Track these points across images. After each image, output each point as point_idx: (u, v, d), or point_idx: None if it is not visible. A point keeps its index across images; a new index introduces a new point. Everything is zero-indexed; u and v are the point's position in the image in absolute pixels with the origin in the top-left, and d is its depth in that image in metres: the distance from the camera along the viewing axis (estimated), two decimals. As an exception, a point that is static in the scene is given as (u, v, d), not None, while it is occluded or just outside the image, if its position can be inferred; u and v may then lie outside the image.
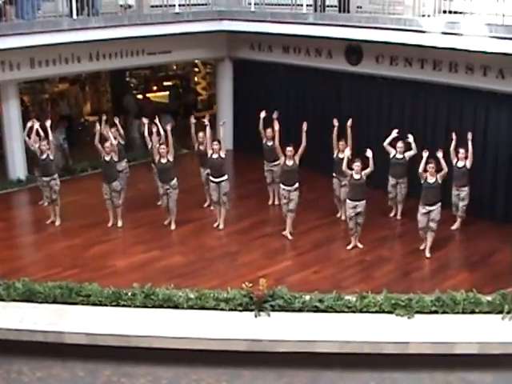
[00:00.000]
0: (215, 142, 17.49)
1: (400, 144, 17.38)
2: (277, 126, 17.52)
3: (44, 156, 17.60)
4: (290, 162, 16.75)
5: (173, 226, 17.57)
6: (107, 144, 17.36)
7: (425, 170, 15.69)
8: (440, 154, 15.84)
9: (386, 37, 17.69)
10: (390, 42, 17.73)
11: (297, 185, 16.82)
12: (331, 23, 18.92)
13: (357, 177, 16.08)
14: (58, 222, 17.78)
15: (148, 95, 30.19)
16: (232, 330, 12.83)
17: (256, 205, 19.14)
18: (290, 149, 16.78)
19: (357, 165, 16.06)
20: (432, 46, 16.95)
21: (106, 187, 17.45)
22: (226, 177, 17.50)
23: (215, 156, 17.31)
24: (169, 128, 17.10)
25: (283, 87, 22.50)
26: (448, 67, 17.99)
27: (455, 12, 17.08)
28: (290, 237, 16.98)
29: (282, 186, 16.99)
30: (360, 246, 16.52)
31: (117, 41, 20.14)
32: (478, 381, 12.46)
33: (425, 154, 15.74)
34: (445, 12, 17.07)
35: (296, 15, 20.00)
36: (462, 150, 16.63)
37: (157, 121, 18.07)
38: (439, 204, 15.88)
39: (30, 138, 18.11)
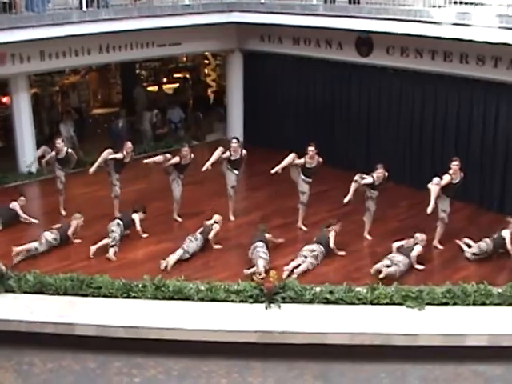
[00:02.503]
0: (234, 140, 17.50)
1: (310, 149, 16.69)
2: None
3: (62, 154, 17.75)
4: (311, 164, 16.74)
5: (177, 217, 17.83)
6: (129, 145, 17.47)
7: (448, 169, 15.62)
8: None
9: (397, 28, 17.66)
10: (400, 33, 17.69)
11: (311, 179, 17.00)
12: (341, 14, 18.89)
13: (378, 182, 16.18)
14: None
15: (161, 87, 30.21)
16: (243, 321, 12.86)
17: (266, 197, 19.14)
18: (311, 148, 16.66)
19: (380, 172, 16.06)
20: (443, 37, 16.90)
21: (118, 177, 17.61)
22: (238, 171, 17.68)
23: (235, 157, 17.44)
24: None
25: (293, 79, 22.45)
26: (459, 58, 17.93)
27: (466, 3, 17.01)
28: (304, 228, 17.06)
29: (303, 177, 16.92)
30: (369, 237, 16.53)
31: (127, 33, 20.14)
32: (489, 372, 12.45)
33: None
34: (455, 3, 17.00)
35: (306, 6, 19.97)
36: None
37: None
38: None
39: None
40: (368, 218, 16.59)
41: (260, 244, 15.08)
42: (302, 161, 16.71)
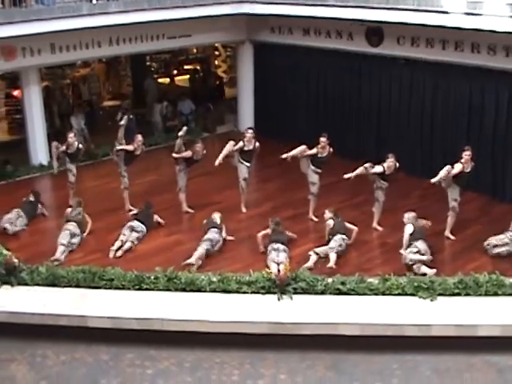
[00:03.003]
0: (250, 131, 17.52)
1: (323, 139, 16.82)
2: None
3: (73, 149, 17.79)
4: (322, 154, 16.78)
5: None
6: (140, 138, 17.51)
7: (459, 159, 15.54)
8: None
9: (408, 18, 17.60)
10: (411, 23, 17.63)
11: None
12: (352, 5, 18.82)
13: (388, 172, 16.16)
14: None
15: (173, 79, 30.23)
16: (255, 312, 12.86)
17: (276, 188, 19.13)
18: (323, 139, 16.69)
19: (391, 161, 16.04)
20: (454, 27, 16.83)
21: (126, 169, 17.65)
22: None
23: (249, 148, 17.47)
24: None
25: (303, 69, 22.40)
26: (470, 48, 17.85)
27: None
28: (316, 219, 17.05)
29: (312, 167, 16.95)
30: (379, 228, 16.50)
31: (137, 25, 20.13)
32: (501, 363, 12.41)
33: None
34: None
35: (317, -3, 19.92)
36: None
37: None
38: None
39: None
40: (377, 208, 16.57)
41: (286, 248, 14.95)
42: (314, 151, 16.72)
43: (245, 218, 17.54)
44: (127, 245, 15.64)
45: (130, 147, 17.29)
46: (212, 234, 15.43)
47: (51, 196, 19.52)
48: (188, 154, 17.24)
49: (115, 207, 17.71)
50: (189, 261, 14.45)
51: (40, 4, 18.44)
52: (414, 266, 14.26)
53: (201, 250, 14.85)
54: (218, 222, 15.94)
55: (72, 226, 15.87)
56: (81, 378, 12.31)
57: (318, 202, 17.14)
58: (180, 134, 17.34)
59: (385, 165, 16.04)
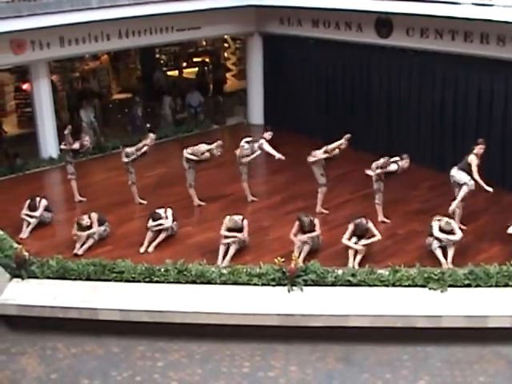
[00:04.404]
0: (270, 133, 17.68)
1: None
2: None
3: (83, 150, 18.02)
4: (337, 153, 16.90)
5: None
6: (152, 136, 17.66)
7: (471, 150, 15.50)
8: None
9: (417, 9, 17.55)
10: (420, 14, 17.59)
11: None
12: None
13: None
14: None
15: (182, 72, 30.27)
16: (265, 305, 12.87)
17: (286, 180, 19.11)
18: (346, 143, 16.79)
19: (406, 161, 16.06)
20: (463, 18, 16.78)
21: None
22: None
23: None
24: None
25: (313, 61, 22.37)
26: (479, 39, 17.79)
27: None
28: (326, 211, 17.04)
29: (323, 161, 16.88)
30: (387, 221, 16.45)
31: (146, 18, 20.17)
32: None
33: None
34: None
35: (325, -12, 19.87)
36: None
37: None
38: None
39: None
40: (379, 200, 16.38)
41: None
42: (337, 151, 16.73)
43: (254, 210, 17.52)
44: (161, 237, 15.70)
45: (145, 149, 17.29)
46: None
47: (61, 189, 19.56)
48: (206, 156, 17.28)
49: (125, 200, 17.73)
50: (224, 264, 14.40)
51: (49, -3, 18.50)
52: (434, 242, 14.41)
53: (233, 250, 14.85)
54: (240, 224, 15.71)
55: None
56: (91, 371, 12.33)
57: (330, 193, 17.09)
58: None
59: (399, 163, 15.95)
